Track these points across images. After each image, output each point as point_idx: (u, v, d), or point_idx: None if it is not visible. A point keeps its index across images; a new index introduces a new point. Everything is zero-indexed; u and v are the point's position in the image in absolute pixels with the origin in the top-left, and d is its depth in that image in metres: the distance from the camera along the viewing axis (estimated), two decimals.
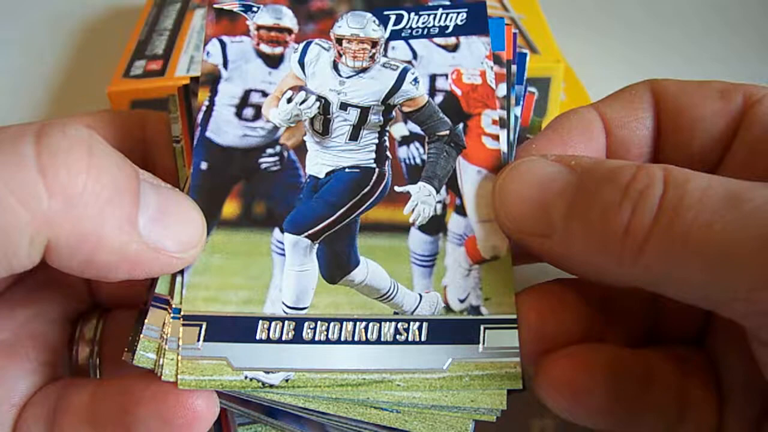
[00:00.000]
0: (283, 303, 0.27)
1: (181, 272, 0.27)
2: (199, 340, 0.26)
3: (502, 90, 0.31)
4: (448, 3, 0.32)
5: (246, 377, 0.26)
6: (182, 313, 0.26)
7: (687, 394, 0.27)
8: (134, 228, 0.24)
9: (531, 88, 0.51)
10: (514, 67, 0.32)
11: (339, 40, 0.31)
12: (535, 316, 0.27)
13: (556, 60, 0.52)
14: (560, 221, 0.26)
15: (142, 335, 0.26)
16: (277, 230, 0.28)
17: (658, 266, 0.23)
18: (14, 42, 0.66)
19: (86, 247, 0.23)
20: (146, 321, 0.26)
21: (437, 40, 0.32)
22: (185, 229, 0.26)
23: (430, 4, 0.32)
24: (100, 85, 0.50)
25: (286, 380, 0.26)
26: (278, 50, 0.31)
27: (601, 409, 0.27)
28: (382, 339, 0.27)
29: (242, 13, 0.31)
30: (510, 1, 0.58)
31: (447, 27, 0.32)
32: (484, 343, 0.27)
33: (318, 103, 0.30)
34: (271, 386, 0.26)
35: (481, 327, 0.27)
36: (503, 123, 0.31)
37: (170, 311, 0.26)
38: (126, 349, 0.26)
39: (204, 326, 0.26)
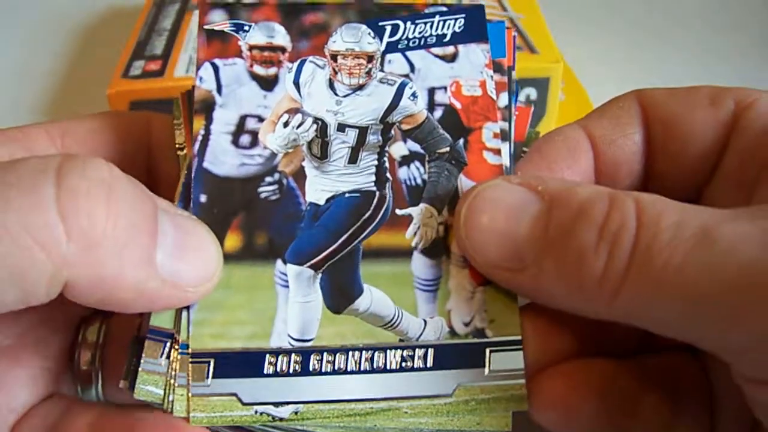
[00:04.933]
0: (289, 335, 0.27)
1: (187, 307, 0.27)
2: (208, 377, 0.27)
3: (503, 100, 0.30)
4: (444, 9, 0.31)
5: (256, 412, 0.27)
6: (190, 350, 0.27)
7: (679, 403, 0.28)
8: (152, 266, 0.24)
9: (529, 89, 0.51)
10: (514, 74, 0.31)
11: (334, 57, 0.30)
12: (529, 335, 0.28)
13: (555, 60, 0.51)
14: (532, 257, 0.25)
15: (141, 369, 0.26)
16: (279, 261, 0.28)
17: (634, 307, 0.23)
18: (14, 42, 0.66)
19: (105, 288, 0.23)
20: (144, 354, 0.26)
21: (435, 50, 0.31)
22: (202, 262, 0.26)
23: (426, 11, 0.31)
24: (99, 86, 0.50)
25: (296, 413, 0.27)
26: (272, 71, 0.30)
27: (594, 426, 0.27)
28: (389, 367, 0.27)
29: (234, 33, 0.31)
30: (509, 0, 0.57)
31: (444, 35, 0.31)
32: (489, 366, 0.27)
33: (315, 126, 0.29)
34: (281, 419, 0.27)
35: (487, 350, 0.27)
36: (505, 136, 0.30)
37: (177, 347, 0.27)
38: (123, 378, 0.26)
39: (212, 363, 0.27)
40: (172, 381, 0.26)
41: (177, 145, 0.30)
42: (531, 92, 0.51)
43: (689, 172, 0.29)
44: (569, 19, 0.65)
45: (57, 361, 0.29)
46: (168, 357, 0.27)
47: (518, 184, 0.26)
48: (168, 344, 0.27)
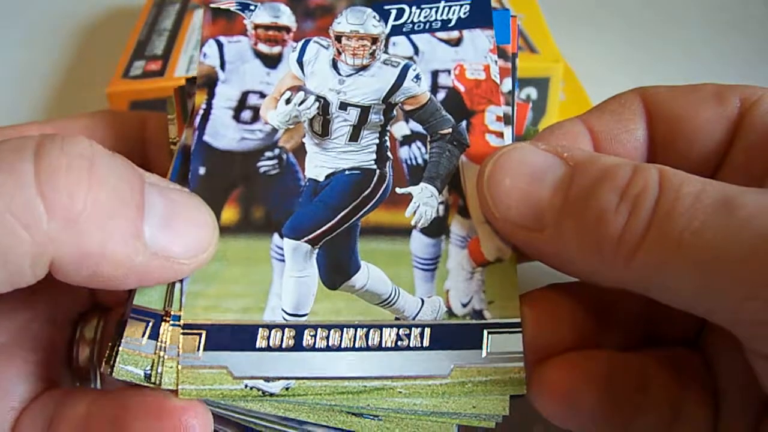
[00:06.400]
0: (283, 310, 0.27)
1: (180, 279, 0.27)
2: (199, 349, 0.26)
3: (507, 85, 0.30)
4: None
5: (246, 386, 0.26)
6: (182, 322, 0.26)
7: (682, 397, 0.27)
8: (139, 239, 0.24)
9: (529, 89, 0.51)
10: (518, 61, 0.31)
11: (338, 38, 0.30)
12: (531, 325, 0.27)
13: (555, 60, 0.51)
14: (552, 217, 0.25)
15: (121, 348, 0.25)
16: (276, 236, 0.28)
17: (650, 271, 0.23)
18: (14, 42, 0.66)
19: (90, 263, 0.23)
20: (125, 333, 0.26)
21: (439, 34, 0.31)
22: (194, 233, 0.26)
23: None
24: (99, 86, 0.50)
25: (287, 388, 0.26)
26: (276, 50, 0.30)
27: (596, 417, 0.26)
28: (383, 345, 0.27)
29: (239, 12, 0.31)
30: (509, 0, 0.57)
31: (449, 21, 0.31)
32: (487, 348, 0.27)
33: (317, 104, 0.29)
34: (272, 395, 0.26)
35: (485, 332, 0.27)
36: (508, 120, 0.30)
37: (168, 319, 0.26)
38: (105, 361, 0.26)
39: (204, 335, 0.26)
40: (161, 353, 0.26)
41: (171, 140, 0.30)
42: (531, 92, 0.51)
43: (693, 169, 0.29)
44: (569, 19, 0.65)
45: (53, 357, 0.29)
46: (150, 336, 0.26)
47: (544, 149, 0.26)
48: (151, 323, 0.26)
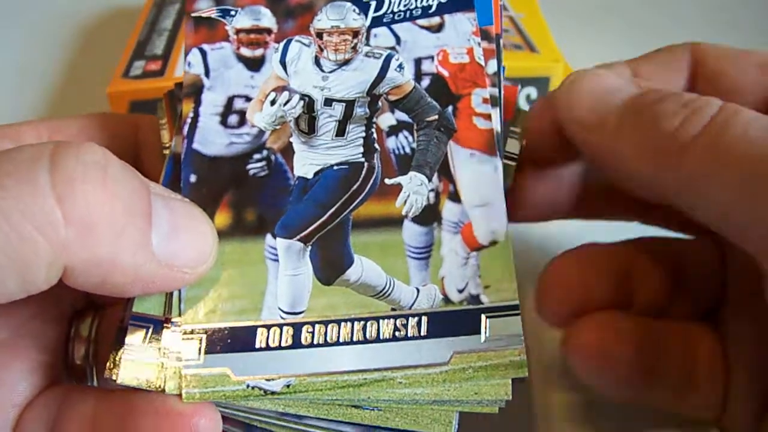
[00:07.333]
0: (280, 309, 0.27)
1: None
2: (200, 353, 0.26)
3: (492, 67, 0.30)
4: None
5: (248, 386, 0.26)
6: (182, 328, 0.27)
7: (695, 370, 0.27)
8: (148, 249, 0.24)
9: (529, 88, 0.50)
10: (502, 41, 0.30)
11: (319, 34, 0.30)
12: (569, 277, 0.29)
13: (556, 59, 0.51)
14: (615, 117, 0.26)
15: (123, 355, 0.26)
16: (269, 236, 0.28)
17: (697, 175, 0.23)
18: (14, 42, 0.67)
19: (101, 271, 0.24)
20: (126, 340, 0.26)
21: (420, 21, 0.31)
22: (197, 243, 0.26)
23: None
24: (99, 86, 0.50)
25: (288, 386, 0.26)
26: (258, 52, 0.31)
27: (623, 377, 0.28)
28: (382, 337, 0.27)
29: (220, 18, 0.31)
30: (509, 0, 0.56)
31: (430, 7, 0.31)
32: (486, 333, 0.26)
33: (302, 102, 0.29)
34: (273, 393, 0.26)
35: (482, 316, 0.27)
36: (495, 101, 0.29)
37: (168, 325, 0.27)
38: (108, 368, 0.26)
39: (204, 339, 0.27)
40: (163, 359, 0.26)
41: (163, 145, 0.31)
42: (531, 91, 0.50)
43: None
44: (569, 18, 0.64)
45: (53, 353, 0.30)
46: (151, 342, 0.26)
47: (620, 74, 0.28)
48: (150, 329, 0.27)
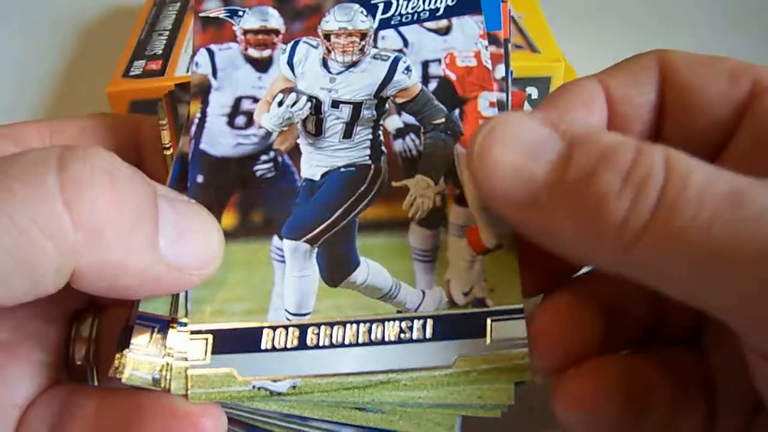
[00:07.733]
0: (286, 310, 0.27)
1: None
2: (206, 354, 0.27)
3: (500, 71, 0.30)
4: None
5: (254, 387, 0.26)
6: (189, 328, 0.27)
7: (682, 396, 0.27)
8: (155, 251, 0.24)
9: (530, 88, 0.50)
10: (510, 46, 0.31)
11: (327, 36, 0.30)
12: (555, 333, 0.27)
13: (557, 59, 0.50)
14: (547, 196, 0.23)
15: (129, 355, 0.26)
16: (276, 237, 0.28)
17: (650, 261, 0.22)
18: (14, 42, 0.67)
19: (110, 274, 0.24)
20: (132, 340, 0.26)
21: (428, 24, 0.31)
22: (204, 245, 0.26)
23: None
24: (99, 85, 0.50)
25: (294, 387, 0.26)
26: (266, 53, 0.31)
27: (613, 421, 0.26)
28: (387, 339, 0.27)
29: (228, 19, 0.31)
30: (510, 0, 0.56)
31: (437, 9, 0.31)
32: (490, 336, 0.27)
33: (309, 104, 0.30)
34: (279, 394, 0.26)
35: (487, 320, 0.27)
36: (502, 105, 0.29)
37: (175, 325, 0.27)
38: (114, 368, 0.26)
39: (210, 339, 0.27)
40: (169, 359, 0.27)
41: (163, 145, 0.31)
42: (532, 91, 0.50)
43: (696, 144, 0.28)
44: (571, 18, 0.64)
45: (55, 353, 0.30)
46: (157, 342, 0.27)
47: (540, 121, 0.24)
48: (156, 329, 0.27)
